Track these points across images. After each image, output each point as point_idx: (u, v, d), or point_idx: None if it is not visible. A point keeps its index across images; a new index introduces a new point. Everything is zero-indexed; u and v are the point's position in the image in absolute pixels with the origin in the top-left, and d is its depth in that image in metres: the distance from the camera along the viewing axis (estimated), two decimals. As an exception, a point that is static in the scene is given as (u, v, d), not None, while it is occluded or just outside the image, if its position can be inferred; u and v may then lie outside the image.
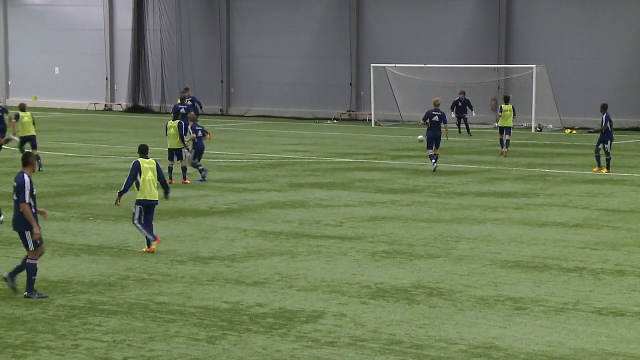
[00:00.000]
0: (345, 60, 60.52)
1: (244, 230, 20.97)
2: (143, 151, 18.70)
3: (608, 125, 31.34)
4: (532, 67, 52.03)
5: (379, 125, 55.12)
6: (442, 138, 32.32)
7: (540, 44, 54.85)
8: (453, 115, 47.07)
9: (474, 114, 47.98)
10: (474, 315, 13.96)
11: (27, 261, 14.93)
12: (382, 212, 23.65)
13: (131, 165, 18.60)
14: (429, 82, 54.30)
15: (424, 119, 32.17)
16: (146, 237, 18.58)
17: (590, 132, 49.06)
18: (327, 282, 16.04)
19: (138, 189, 18.49)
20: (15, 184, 14.90)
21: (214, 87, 65.21)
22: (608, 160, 31.88)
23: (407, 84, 55.70)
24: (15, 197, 14.88)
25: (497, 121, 40.49)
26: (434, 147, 31.88)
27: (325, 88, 60.65)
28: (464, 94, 47.87)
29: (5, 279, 15.03)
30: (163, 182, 18.93)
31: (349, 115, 60.11)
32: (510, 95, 42.85)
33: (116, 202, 18.75)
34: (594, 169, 32.02)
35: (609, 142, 31.59)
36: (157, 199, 18.68)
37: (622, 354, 12.17)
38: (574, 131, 51.44)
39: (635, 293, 15.44)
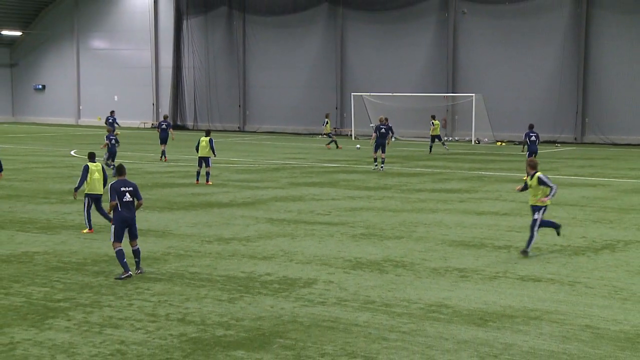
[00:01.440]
0: (332, 90, 60.51)
1: (256, 218, 20.95)
2: (91, 157, 18.53)
3: (527, 140, 31.14)
4: (472, 95, 52.19)
5: (358, 139, 55.06)
6: (386, 145, 33.48)
7: (478, 77, 54.99)
8: (374, 131, 47.44)
9: (393, 139, 47.24)
10: (429, 282, 13.96)
11: (137, 246, 14.43)
12: (360, 204, 23.65)
13: (82, 168, 18.45)
14: (396, 106, 54.31)
15: (375, 132, 33.62)
16: (87, 222, 18.37)
17: (515, 143, 49.20)
18: (319, 257, 16.04)
19: (87, 186, 18.41)
20: (130, 188, 14.33)
21: (233, 110, 65.11)
22: None
23: (379, 108, 55.67)
24: (130, 198, 14.25)
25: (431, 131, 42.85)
26: (380, 152, 33.04)
27: (317, 111, 60.58)
28: (387, 120, 47.49)
29: (138, 272, 14.38)
30: (105, 180, 18.56)
31: (335, 131, 59.97)
32: (435, 115, 45.21)
33: (74, 196, 18.43)
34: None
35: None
36: (101, 193, 18.48)
37: (539, 309, 12.21)
38: (503, 143, 51.51)
39: (549, 264, 15.46)
